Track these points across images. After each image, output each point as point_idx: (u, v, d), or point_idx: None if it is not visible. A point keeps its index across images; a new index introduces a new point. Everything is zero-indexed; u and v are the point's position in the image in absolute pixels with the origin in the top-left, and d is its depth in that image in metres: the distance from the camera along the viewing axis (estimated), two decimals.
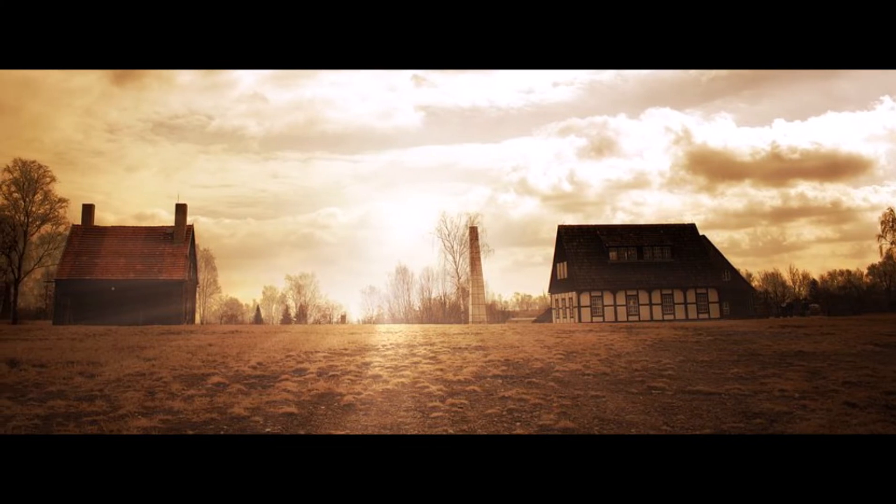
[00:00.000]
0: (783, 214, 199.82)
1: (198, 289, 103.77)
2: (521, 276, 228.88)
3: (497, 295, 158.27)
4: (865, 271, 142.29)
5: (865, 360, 20.23)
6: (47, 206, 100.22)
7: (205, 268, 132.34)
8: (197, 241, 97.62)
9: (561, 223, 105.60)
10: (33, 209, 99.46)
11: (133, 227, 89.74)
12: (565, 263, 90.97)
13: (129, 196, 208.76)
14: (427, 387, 15.38)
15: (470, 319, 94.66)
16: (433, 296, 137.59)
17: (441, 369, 18.92)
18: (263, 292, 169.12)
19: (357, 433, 10.85)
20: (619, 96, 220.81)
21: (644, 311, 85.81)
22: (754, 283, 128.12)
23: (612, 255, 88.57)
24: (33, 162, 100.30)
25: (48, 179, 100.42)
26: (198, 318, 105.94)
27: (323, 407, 13.21)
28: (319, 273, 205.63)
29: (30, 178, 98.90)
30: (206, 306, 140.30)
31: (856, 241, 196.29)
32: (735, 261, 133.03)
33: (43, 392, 14.98)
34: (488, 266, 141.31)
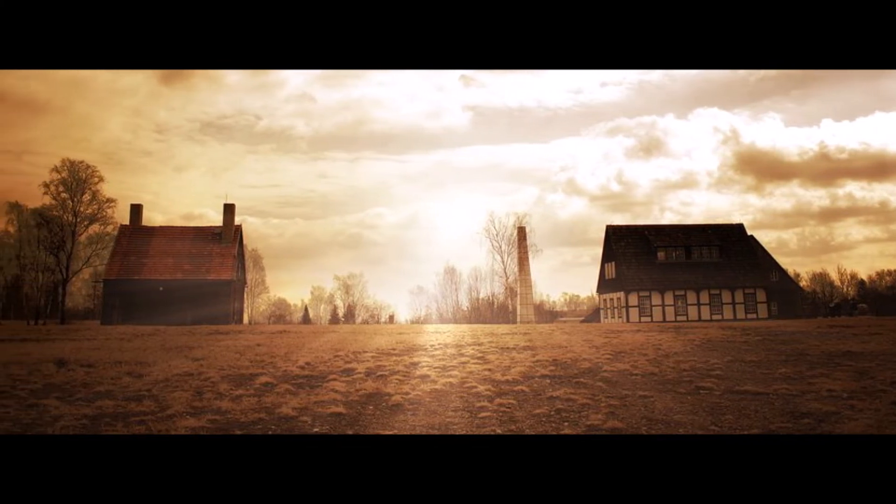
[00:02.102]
0: (831, 214, 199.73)
1: (246, 289, 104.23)
2: (569, 276, 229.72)
3: (545, 295, 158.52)
4: None
5: None
6: (95, 206, 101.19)
7: (253, 268, 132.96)
8: (245, 241, 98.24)
9: (609, 223, 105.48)
10: (81, 209, 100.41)
11: (181, 227, 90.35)
12: (613, 263, 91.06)
13: (177, 196, 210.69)
14: (475, 387, 15.34)
15: (518, 319, 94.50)
16: (481, 296, 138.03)
17: (489, 369, 18.88)
18: (311, 292, 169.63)
19: (405, 433, 10.82)
20: (668, 96, 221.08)
21: (692, 311, 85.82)
22: (802, 284, 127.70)
23: (661, 254, 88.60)
24: (81, 162, 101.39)
25: (96, 179, 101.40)
26: (246, 318, 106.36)
27: (371, 407, 13.21)
28: (367, 273, 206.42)
29: (78, 178, 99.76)
30: (254, 306, 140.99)
31: None
32: (783, 261, 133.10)
33: (91, 392, 15.03)
34: (536, 266, 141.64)
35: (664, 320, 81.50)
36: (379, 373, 18.22)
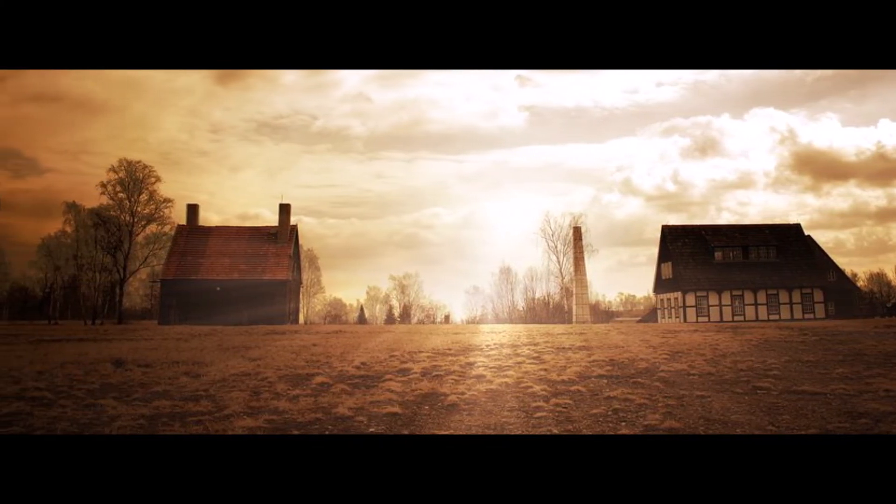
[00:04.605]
0: (889, 214, 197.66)
1: (301, 289, 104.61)
2: (624, 276, 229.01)
3: (601, 295, 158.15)
4: None
5: None
6: (152, 206, 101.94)
7: (309, 268, 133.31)
8: (301, 241, 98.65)
9: (665, 223, 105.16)
10: (138, 209, 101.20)
11: (237, 227, 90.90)
12: (670, 263, 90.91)
13: (233, 196, 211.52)
14: (531, 387, 15.31)
15: (573, 319, 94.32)
16: (537, 296, 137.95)
17: (545, 369, 18.88)
18: (367, 292, 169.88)
19: (461, 433, 10.81)
20: (723, 96, 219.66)
21: (749, 311, 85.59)
22: (859, 284, 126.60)
23: (718, 254, 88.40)
24: (138, 162, 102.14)
25: (153, 179, 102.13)
26: (302, 319, 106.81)
27: (427, 407, 13.21)
28: (423, 273, 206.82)
29: (135, 178, 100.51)
30: (310, 306, 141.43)
31: None
32: (840, 261, 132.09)
33: (148, 392, 15.11)
34: (592, 266, 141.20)
35: (721, 320, 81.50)
36: (434, 373, 18.27)
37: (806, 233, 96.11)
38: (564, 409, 12.65)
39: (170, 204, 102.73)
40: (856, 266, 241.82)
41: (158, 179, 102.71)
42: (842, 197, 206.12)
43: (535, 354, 23.65)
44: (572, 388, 15.16)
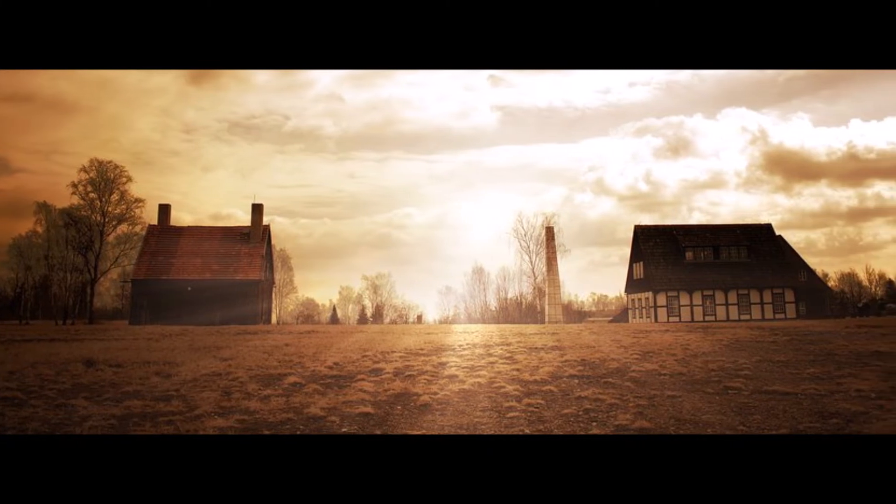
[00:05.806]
0: (859, 214, 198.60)
1: (274, 289, 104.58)
2: (597, 276, 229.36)
3: (573, 295, 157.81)
4: None
5: None
6: (124, 206, 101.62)
7: (281, 268, 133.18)
8: (273, 241, 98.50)
9: (637, 223, 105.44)
10: (110, 209, 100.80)
11: (209, 227, 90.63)
12: (641, 263, 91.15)
13: (206, 196, 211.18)
14: (503, 387, 15.32)
15: (546, 319, 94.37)
16: (509, 296, 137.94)
17: (517, 369, 18.87)
18: (340, 292, 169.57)
19: (433, 433, 10.81)
20: (696, 96, 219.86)
21: (720, 311, 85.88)
22: (830, 284, 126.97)
23: (689, 255, 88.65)
24: (110, 162, 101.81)
25: (124, 179, 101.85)
26: (274, 319, 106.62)
27: (399, 407, 13.22)
28: (396, 273, 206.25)
29: (106, 178, 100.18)
30: (283, 306, 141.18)
31: None
32: (811, 261, 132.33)
33: (119, 392, 15.06)
34: (564, 266, 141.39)
35: (692, 320, 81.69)
36: (407, 373, 18.25)
37: (777, 233, 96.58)
38: (536, 409, 12.67)
39: (141, 204, 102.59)
40: (827, 266, 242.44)
41: (130, 179, 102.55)
42: (813, 197, 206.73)
43: (508, 354, 23.62)
44: (544, 388, 15.18)
